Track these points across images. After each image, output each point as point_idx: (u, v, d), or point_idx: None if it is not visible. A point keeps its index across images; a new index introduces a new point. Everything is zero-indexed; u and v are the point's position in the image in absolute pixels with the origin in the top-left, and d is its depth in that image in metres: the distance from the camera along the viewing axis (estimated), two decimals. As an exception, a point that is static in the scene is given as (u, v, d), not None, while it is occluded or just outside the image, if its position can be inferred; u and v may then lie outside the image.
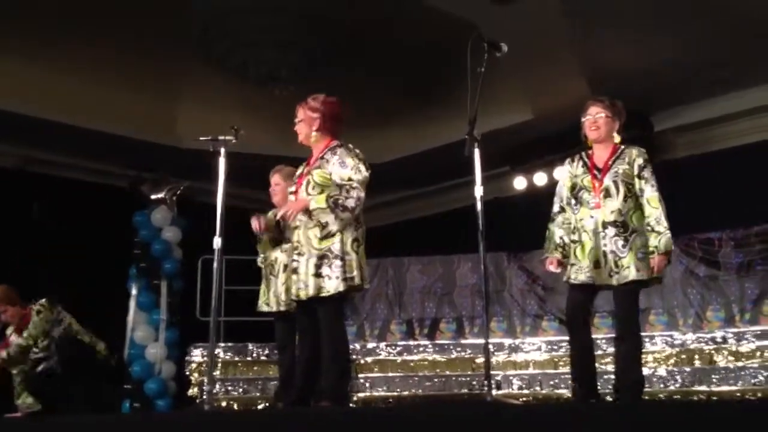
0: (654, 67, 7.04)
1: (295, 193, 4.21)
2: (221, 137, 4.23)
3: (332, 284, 3.96)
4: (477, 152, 3.82)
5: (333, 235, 4.02)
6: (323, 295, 3.98)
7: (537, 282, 7.93)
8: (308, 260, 4.03)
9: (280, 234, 4.79)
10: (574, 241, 4.17)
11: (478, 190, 3.81)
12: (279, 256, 4.85)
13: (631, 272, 3.97)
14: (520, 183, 8.48)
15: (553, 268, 4.22)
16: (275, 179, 5.01)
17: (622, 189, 4.08)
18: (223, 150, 4.24)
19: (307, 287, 4.00)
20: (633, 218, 4.07)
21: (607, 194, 4.09)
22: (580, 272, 4.09)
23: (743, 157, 7.70)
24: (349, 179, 4.06)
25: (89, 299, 6.86)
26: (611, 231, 4.04)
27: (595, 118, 4.17)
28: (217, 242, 4.20)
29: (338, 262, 3.98)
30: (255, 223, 4.78)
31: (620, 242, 4.02)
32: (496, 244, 7.03)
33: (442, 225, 9.23)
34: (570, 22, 6.49)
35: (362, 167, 4.11)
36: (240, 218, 4.70)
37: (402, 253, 8.47)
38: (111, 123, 4.80)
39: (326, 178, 4.10)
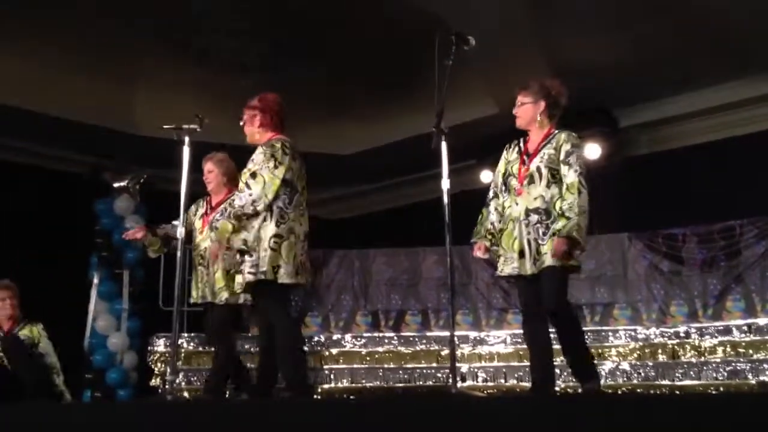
0: (617, 63, 7.10)
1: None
2: (185, 126, 4.19)
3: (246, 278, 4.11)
4: (444, 145, 3.82)
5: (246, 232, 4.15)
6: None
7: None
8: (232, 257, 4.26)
9: (164, 246, 4.98)
10: (501, 230, 4.10)
11: (445, 183, 3.81)
12: (209, 245, 4.84)
13: (547, 259, 3.87)
14: (486, 176, 8.49)
15: (480, 254, 4.16)
16: (208, 166, 5.02)
17: (545, 174, 3.96)
18: (187, 138, 4.20)
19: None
20: (557, 205, 3.92)
21: (531, 180, 3.99)
22: (506, 263, 4.03)
23: (706, 155, 7.81)
24: (250, 177, 4.15)
25: (50, 288, 6.76)
26: (534, 218, 3.94)
27: (517, 107, 4.14)
28: (180, 231, 4.18)
29: (249, 258, 4.11)
30: (137, 233, 4.93)
31: (541, 230, 3.91)
32: (463, 237, 7.04)
33: (408, 217, 9.25)
34: (534, 15, 6.51)
35: (265, 168, 4.14)
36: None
37: (368, 245, 8.46)
38: (69, 108, 4.72)
39: (245, 173, 4.24)
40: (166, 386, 4.78)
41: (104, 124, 4.65)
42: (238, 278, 4.17)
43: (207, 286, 4.85)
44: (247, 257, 4.07)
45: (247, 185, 4.09)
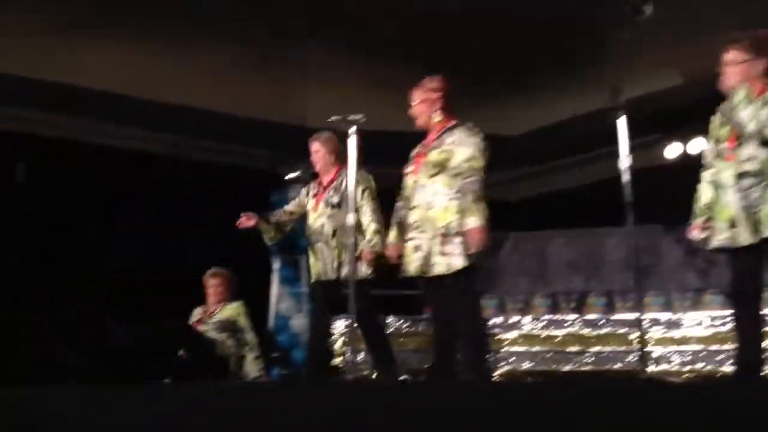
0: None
1: (415, 172, 4.24)
2: (351, 116, 4.22)
3: (457, 261, 4.02)
4: (622, 120, 3.62)
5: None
6: (449, 272, 4.06)
7: (697, 254, 7.48)
8: (432, 239, 4.12)
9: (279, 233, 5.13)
10: (714, 201, 3.77)
11: (624, 161, 3.61)
12: (325, 222, 4.90)
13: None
14: (673, 151, 8.05)
15: (696, 233, 3.86)
16: (315, 147, 5.06)
17: (756, 135, 3.54)
18: (353, 129, 4.24)
19: (429, 265, 4.12)
20: None
21: (740, 143, 3.61)
22: (716, 234, 3.70)
23: None
24: (470, 161, 4.07)
25: (240, 275, 7.14)
26: (746, 182, 3.58)
27: (727, 65, 3.72)
28: (350, 219, 4.26)
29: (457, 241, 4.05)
30: (249, 222, 5.00)
31: (755, 194, 3.54)
32: (649, 217, 6.70)
33: (587, 198, 8.90)
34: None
35: (483, 147, 4.13)
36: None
37: (543, 227, 8.25)
38: (243, 106, 4.95)
39: (442, 157, 4.13)
40: (347, 365, 4.94)
41: (277, 119, 4.82)
42: (440, 259, 4.09)
43: (328, 263, 4.91)
44: (456, 240, 4.04)
45: (475, 169, 4.09)
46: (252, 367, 5.77)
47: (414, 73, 4.36)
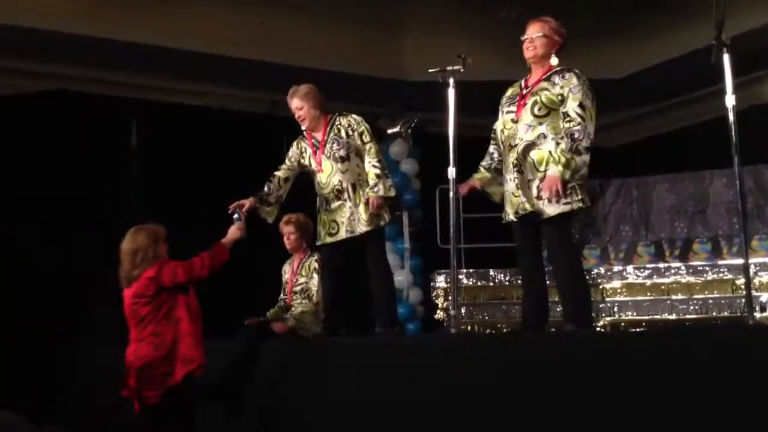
0: None
1: (517, 113, 4.12)
2: (449, 68, 4.21)
3: (554, 207, 3.95)
4: (726, 58, 3.47)
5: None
6: (546, 215, 3.99)
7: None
8: (531, 181, 4.04)
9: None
10: None
11: (730, 100, 3.47)
12: (341, 178, 4.75)
13: None
14: (780, 87, 7.66)
15: None
16: (296, 103, 4.85)
17: None
18: (451, 80, 4.23)
19: (528, 207, 4.02)
20: None
21: None
22: None
23: None
24: (579, 107, 3.97)
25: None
26: None
27: None
28: (451, 172, 4.24)
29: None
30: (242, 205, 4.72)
31: None
32: (755, 157, 6.44)
33: (690, 140, 8.60)
34: None
35: (589, 99, 4.01)
36: (473, 147, 4.69)
37: (646, 172, 8.03)
38: (344, 62, 4.98)
39: (553, 99, 4.02)
40: (450, 320, 4.94)
41: (375, 74, 4.82)
42: (537, 203, 3.99)
43: (355, 219, 4.75)
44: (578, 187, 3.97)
45: (582, 117, 3.96)
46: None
47: (506, 22, 4.29)
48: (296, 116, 4.90)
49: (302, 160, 4.97)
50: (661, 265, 7.52)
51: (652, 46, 7.94)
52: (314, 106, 4.86)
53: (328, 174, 4.82)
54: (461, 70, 4.19)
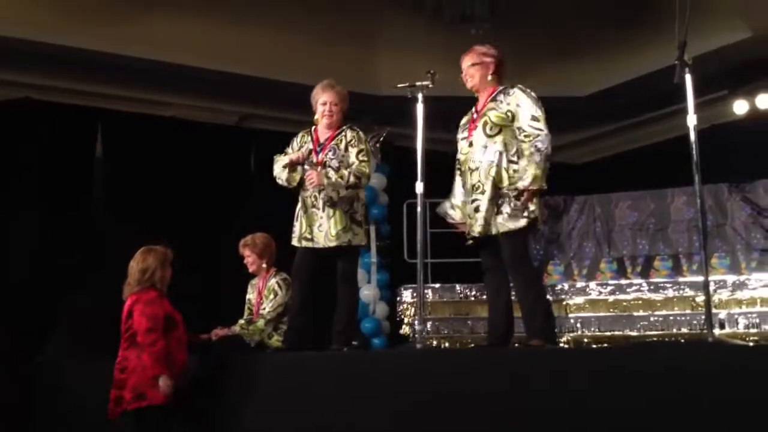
0: None
1: (468, 137, 4.27)
2: (418, 83, 4.25)
3: (515, 222, 4.07)
4: (688, 78, 3.55)
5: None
6: (504, 231, 4.08)
7: (763, 214, 7.31)
8: (489, 200, 4.13)
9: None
10: None
11: (691, 119, 3.55)
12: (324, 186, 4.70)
13: None
14: (740, 107, 7.82)
15: None
16: (331, 97, 4.76)
17: None
18: (420, 95, 4.27)
19: (490, 225, 4.12)
20: None
21: None
22: None
23: None
24: (535, 121, 4.08)
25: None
26: None
27: None
28: (419, 187, 4.26)
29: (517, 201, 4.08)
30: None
31: None
32: (715, 175, 6.57)
33: (653, 158, 8.75)
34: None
35: (539, 109, 4.12)
36: (441, 162, 4.73)
37: (610, 189, 8.15)
38: (315, 75, 5.00)
39: (502, 117, 4.15)
40: (415, 335, 4.94)
41: (349, 88, 4.87)
42: (499, 219, 4.10)
43: (323, 230, 4.69)
44: (515, 200, 4.07)
45: (538, 128, 4.08)
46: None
47: (474, 37, 4.35)
48: (322, 109, 4.78)
49: (299, 152, 4.83)
50: (623, 281, 7.63)
51: (616, 66, 8.07)
52: (342, 110, 4.83)
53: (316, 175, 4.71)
54: (430, 86, 4.24)
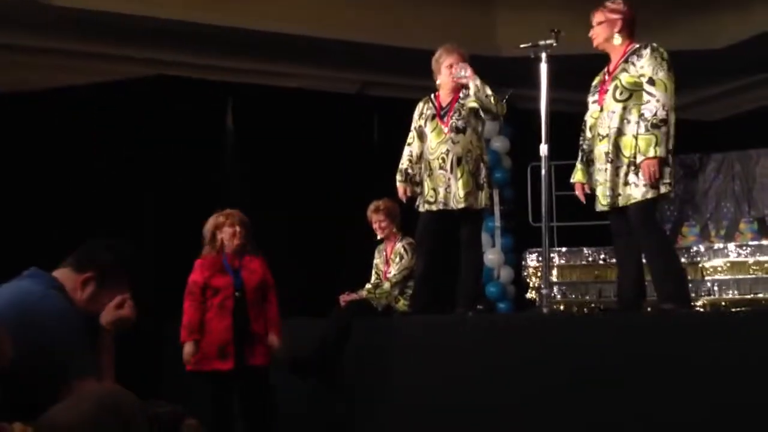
0: None
1: (600, 101, 4.10)
2: (541, 42, 4.16)
3: (641, 192, 3.92)
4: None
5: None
6: (632, 202, 3.95)
7: None
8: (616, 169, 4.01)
9: None
10: None
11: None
12: (450, 148, 4.73)
13: None
14: None
15: None
16: (453, 60, 4.78)
17: None
18: (544, 55, 4.17)
19: (617, 196, 4.00)
20: None
21: None
22: None
23: None
24: (649, 84, 3.92)
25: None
26: None
27: None
28: (543, 149, 4.22)
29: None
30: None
31: None
32: None
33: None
34: None
35: (662, 70, 3.92)
36: (565, 123, 4.62)
37: (748, 146, 7.72)
38: (433, 40, 5.00)
39: (635, 80, 3.96)
40: (542, 299, 4.90)
41: (467, 51, 4.85)
42: (625, 189, 3.98)
43: (451, 193, 4.74)
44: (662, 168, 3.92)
45: (650, 93, 3.91)
46: None
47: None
48: (442, 73, 4.88)
49: (420, 123, 4.96)
50: (765, 242, 7.23)
51: (752, 16, 7.60)
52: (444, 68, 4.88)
53: (440, 141, 4.81)
54: (554, 45, 4.14)
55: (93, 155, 7.30)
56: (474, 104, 4.74)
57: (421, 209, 4.89)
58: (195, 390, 4.72)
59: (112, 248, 2.63)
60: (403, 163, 4.98)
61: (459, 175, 4.71)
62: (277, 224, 7.26)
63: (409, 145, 5.01)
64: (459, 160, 4.73)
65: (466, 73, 4.66)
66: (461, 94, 4.83)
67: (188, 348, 4.58)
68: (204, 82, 7.87)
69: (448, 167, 4.74)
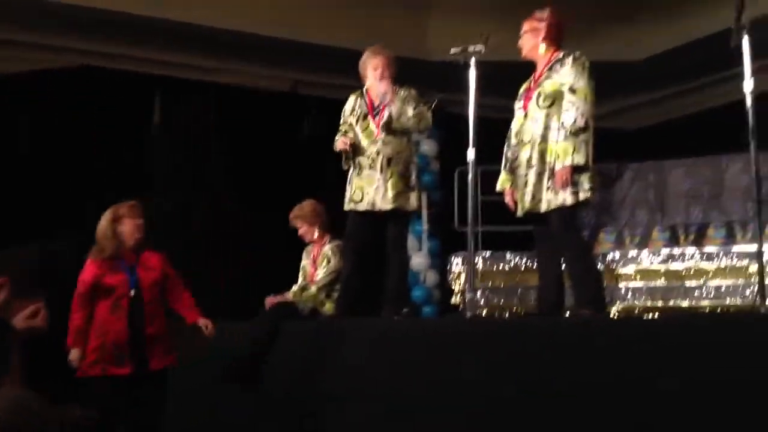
0: None
1: (525, 108, 4.21)
2: (470, 48, 4.23)
3: (563, 198, 4.03)
4: (746, 41, 3.49)
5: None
6: (552, 208, 4.06)
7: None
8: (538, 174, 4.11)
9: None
10: None
11: (748, 84, 3.49)
12: (380, 148, 4.80)
13: None
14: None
15: None
16: (382, 61, 4.84)
17: None
18: (473, 60, 4.25)
19: (538, 201, 4.11)
20: None
21: None
22: None
23: None
24: (570, 93, 4.04)
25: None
26: None
27: None
28: (470, 154, 4.28)
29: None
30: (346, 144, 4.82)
31: None
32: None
33: (708, 124, 8.56)
34: None
35: (582, 79, 4.06)
36: (493, 128, 4.72)
37: (663, 156, 8.02)
38: (366, 41, 5.02)
39: (556, 87, 4.08)
40: (466, 304, 4.97)
41: (399, 54, 4.88)
42: (547, 195, 4.08)
43: (380, 193, 4.78)
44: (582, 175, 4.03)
45: (571, 101, 4.03)
46: None
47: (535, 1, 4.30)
48: (373, 74, 4.89)
49: (350, 121, 4.96)
50: (676, 250, 7.52)
51: (672, 29, 7.89)
52: (393, 74, 4.90)
53: (370, 141, 4.83)
54: (483, 51, 4.22)
55: (15, 144, 7.08)
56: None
57: (347, 207, 4.89)
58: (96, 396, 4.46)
59: (27, 255, 2.56)
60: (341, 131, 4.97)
61: (389, 176, 4.75)
62: (201, 223, 7.18)
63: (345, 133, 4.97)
64: (389, 161, 4.77)
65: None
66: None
67: (74, 354, 4.30)
68: (131, 74, 7.71)
69: (378, 167, 4.77)
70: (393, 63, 4.89)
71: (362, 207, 4.81)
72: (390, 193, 4.73)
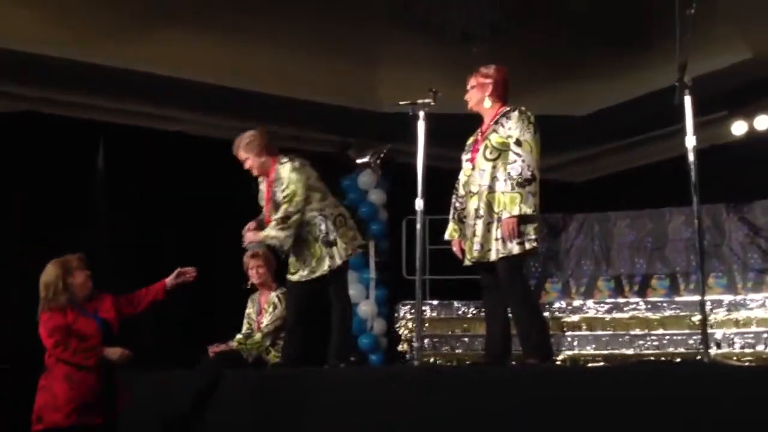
0: None
1: (472, 160, 4.26)
2: (420, 101, 4.28)
3: (509, 247, 4.06)
4: (688, 99, 3.59)
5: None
6: (499, 257, 4.07)
7: (760, 234, 7.35)
8: (485, 225, 4.14)
9: None
10: None
11: (690, 140, 3.58)
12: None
13: None
14: (739, 128, 7.87)
15: None
16: (241, 155, 4.88)
17: None
18: (422, 113, 4.29)
19: (486, 251, 4.11)
20: None
21: None
22: None
23: None
24: (516, 145, 4.10)
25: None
26: None
27: None
28: (419, 204, 4.29)
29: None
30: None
31: None
32: (713, 196, 6.61)
33: (652, 177, 8.80)
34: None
35: (528, 132, 4.13)
36: (441, 178, 4.75)
37: (608, 208, 8.18)
38: (315, 92, 5.03)
39: (502, 140, 4.14)
40: (413, 352, 4.93)
41: (348, 105, 4.89)
42: (494, 244, 4.10)
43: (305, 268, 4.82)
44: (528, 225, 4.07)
45: (517, 153, 4.09)
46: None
47: (477, 55, 4.38)
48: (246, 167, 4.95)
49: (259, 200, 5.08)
50: (621, 300, 7.63)
51: (615, 85, 8.12)
52: (258, 154, 4.89)
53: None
54: (432, 103, 4.27)
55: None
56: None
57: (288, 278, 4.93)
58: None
59: None
60: None
61: (308, 249, 4.79)
62: (143, 269, 7.04)
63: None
64: (302, 238, 4.79)
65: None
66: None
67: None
68: (75, 120, 7.61)
69: (300, 244, 4.81)
70: (253, 145, 4.88)
71: (296, 278, 4.86)
72: (313, 263, 4.77)
